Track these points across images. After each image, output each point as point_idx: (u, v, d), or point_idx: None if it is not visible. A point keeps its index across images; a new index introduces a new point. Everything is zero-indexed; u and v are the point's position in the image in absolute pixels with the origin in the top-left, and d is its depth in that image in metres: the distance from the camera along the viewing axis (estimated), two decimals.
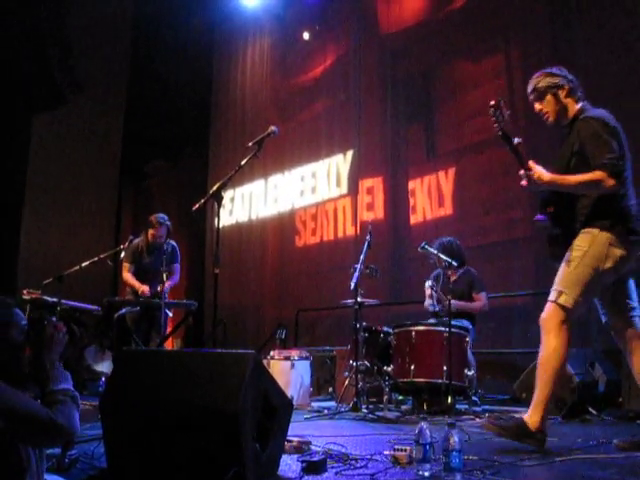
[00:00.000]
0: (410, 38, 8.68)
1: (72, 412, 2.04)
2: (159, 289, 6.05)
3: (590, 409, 4.78)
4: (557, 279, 3.37)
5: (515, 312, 6.97)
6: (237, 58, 11.83)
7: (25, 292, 6.41)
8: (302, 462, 2.65)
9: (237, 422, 2.25)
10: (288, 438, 2.97)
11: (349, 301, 5.65)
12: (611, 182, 3.21)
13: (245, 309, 10.60)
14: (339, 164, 9.35)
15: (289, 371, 5.93)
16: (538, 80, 3.58)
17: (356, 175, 9.00)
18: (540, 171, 3.37)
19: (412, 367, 5.24)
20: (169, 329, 6.77)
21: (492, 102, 3.39)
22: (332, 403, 5.91)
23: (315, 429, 4.10)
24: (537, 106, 3.61)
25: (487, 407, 5.59)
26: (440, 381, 5.10)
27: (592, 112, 3.49)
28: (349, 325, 5.81)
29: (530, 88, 3.61)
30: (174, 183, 13.21)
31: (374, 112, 8.99)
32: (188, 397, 2.42)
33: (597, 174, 3.23)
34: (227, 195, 11.06)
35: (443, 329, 5.23)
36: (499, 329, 6.93)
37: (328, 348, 7.27)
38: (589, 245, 3.28)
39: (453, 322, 5.30)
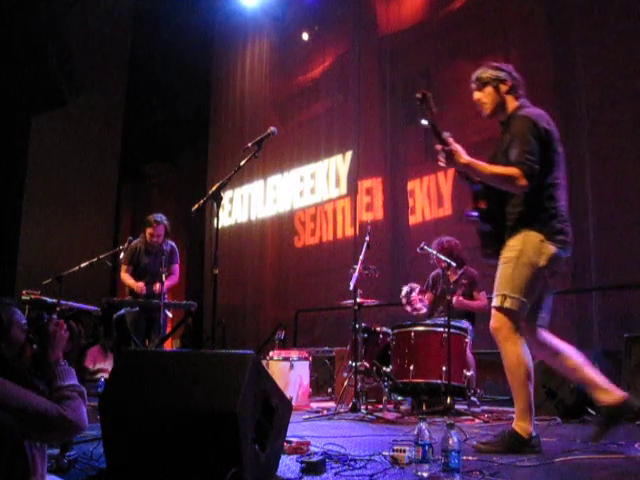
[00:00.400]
0: (409, 39, 8.68)
1: (81, 407, 2.09)
2: (156, 288, 6.05)
3: (589, 410, 4.77)
4: (497, 283, 3.36)
5: None
6: (236, 59, 11.83)
7: (24, 292, 6.41)
8: (301, 463, 2.65)
9: (236, 423, 2.25)
10: (287, 439, 2.97)
11: (348, 302, 5.65)
12: (523, 182, 3.24)
13: (244, 310, 10.60)
14: (338, 165, 9.35)
15: (288, 372, 5.94)
16: (483, 71, 3.61)
17: (355, 176, 9.01)
18: (458, 150, 3.42)
19: (411, 368, 5.25)
20: (168, 330, 6.75)
21: (417, 94, 3.46)
22: (331, 404, 5.91)
23: (314, 430, 4.10)
24: (476, 94, 3.66)
25: (487, 408, 5.59)
26: (439, 382, 5.10)
27: (527, 110, 3.47)
28: (348, 326, 5.81)
29: (473, 77, 3.64)
30: (173, 184, 13.22)
31: (373, 113, 8.99)
32: (187, 398, 2.42)
33: (512, 170, 3.27)
34: (226, 196, 11.06)
35: (442, 330, 5.24)
36: None
37: (327, 349, 7.28)
38: (522, 244, 3.30)
39: (452, 323, 5.31)
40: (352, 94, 9.23)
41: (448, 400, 4.97)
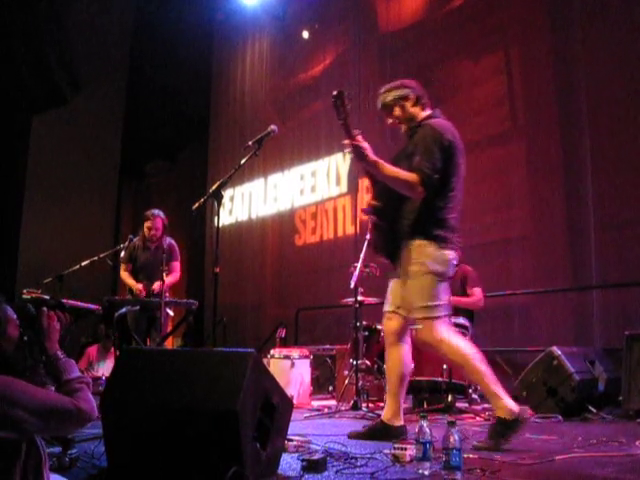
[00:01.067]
0: (409, 37, 8.67)
1: (91, 397, 2.12)
2: (155, 288, 6.03)
3: (590, 407, 4.78)
4: (413, 298, 3.49)
5: (514, 311, 6.97)
6: (236, 57, 11.82)
7: (25, 291, 6.41)
8: (302, 461, 2.65)
9: (237, 421, 2.25)
10: (288, 437, 2.97)
11: (349, 300, 5.65)
12: (420, 189, 3.40)
13: (245, 308, 10.60)
14: (339, 163, 9.35)
15: (289, 370, 5.94)
16: (385, 96, 3.74)
17: (356, 174, 8.99)
18: (367, 148, 3.50)
19: (412, 366, 5.24)
20: (169, 328, 6.74)
21: (334, 92, 3.47)
22: (332, 402, 5.91)
23: (315, 428, 4.11)
24: (388, 120, 3.79)
25: (487, 406, 5.59)
26: (440, 379, 5.10)
27: (434, 121, 3.63)
28: (349, 324, 5.82)
29: (379, 105, 3.76)
30: (174, 183, 13.21)
31: (373, 111, 8.97)
32: (188, 396, 2.43)
33: (412, 176, 3.41)
34: (227, 194, 11.05)
35: None
36: (499, 328, 6.94)
37: (328, 347, 7.28)
38: (423, 256, 3.45)
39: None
40: (352, 92, 9.22)
41: (449, 398, 4.97)
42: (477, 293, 5.83)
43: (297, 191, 10.04)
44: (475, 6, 7.81)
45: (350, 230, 9.01)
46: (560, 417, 4.64)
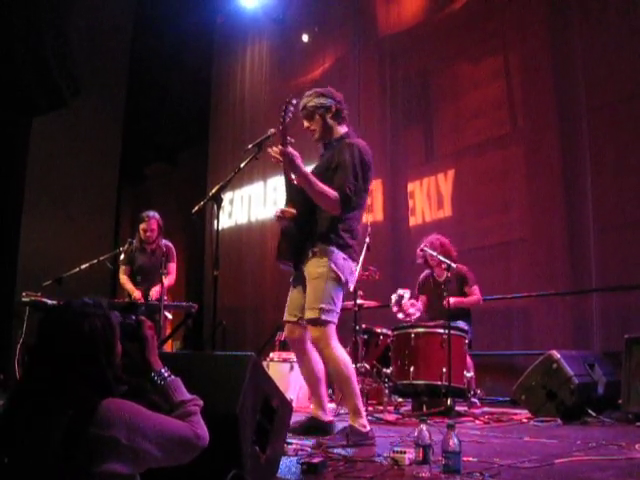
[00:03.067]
0: (409, 40, 8.68)
1: (202, 421, 1.89)
2: (152, 294, 6.03)
3: (589, 411, 4.78)
4: (312, 297, 3.60)
5: (514, 314, 6.97)
6: (236, 60, 11.83)
7: (24, 294, 6.41)
8: (302, 464, 2.65)
9: (236, 424, 2.25)
10: (287, 440, 2.97)
11: (348, 303, 5.65)
12: (338, 208, 3.60)
13: (244, 311, 10.60)
14: None
15: (288, 373, 5.94)
16: (309, 100, 3.87)
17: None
18: (297, 157, 3.66)
19: (411, 369, 5.25)
20: (168, 331, 6.74)
21: (287, 99, 3.67)
22: (332, 405, 5.91)
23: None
24: (306, 123, 3.92)
25: (487, 409, 5.59)
26: (439, 383, 5.10)
27: (356, 140, 3.85)
28: (348, 327, 5.81)
29: (301, 105, 3.87)
30: (173, 185, 13.21)
31: (373, 114, 8.99)
32: None
33: (334, 195, 3.58)
34: (226, 197, 11.06)
35: (442, 331, 5.24)
36: (498, 331, 6.93)
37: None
38: (330, 261, 3.58)
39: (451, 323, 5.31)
40: (352, 95, 9.21)
41: (448, 401, 4.97)
42: (476, 292, 5.85)
43: None
44: (474, 10, 7.81)
45: None
46: (559, 420, 4.64)
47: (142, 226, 6.27)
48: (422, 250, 5.79)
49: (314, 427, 3.74)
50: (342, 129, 3.88)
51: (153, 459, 1.70)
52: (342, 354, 3.63)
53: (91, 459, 1.56)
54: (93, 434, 1.57)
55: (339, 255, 3.61)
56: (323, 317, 3.54)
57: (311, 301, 3.59)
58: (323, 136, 3.88)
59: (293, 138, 3.76)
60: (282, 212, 3.79)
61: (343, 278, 3.62)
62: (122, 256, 6.38)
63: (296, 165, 3.62)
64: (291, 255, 3.77)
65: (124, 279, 6.36)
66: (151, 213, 6.31)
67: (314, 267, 3.62)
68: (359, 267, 5.33)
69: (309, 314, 3.59)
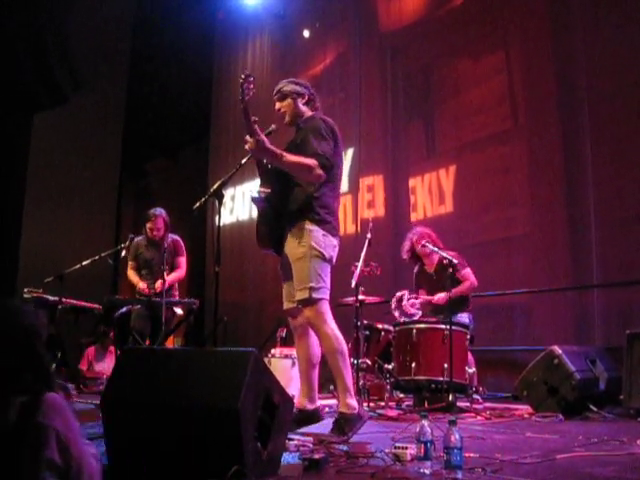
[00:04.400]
0: (410, 36, 8.67)
1: None
2: (157, 286, 6.02)
3: (591, 406, 4.77)
4: (299, 278, 3.62)
5: (515, 309, 6.97)
6: (237, 56, 11.82)
7: (26, 291, 6.42)
8: (303, 460, 2.65)
9: (238, 420, 2.25)
10: (289, 436, 2.97)
11: (350, 299, 5.65)
12: (320, 172, 3.58)
13: (246, 307, 10.60)
14: None
15: (290, 369, 5.93)
16: (284, 85, 3.94)
17: (356, 173, 9.00)
18: (265, 140, 3.60)
19: (413, 365, 5.25)
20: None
21: (243, 75, 3.60)
22: (333, 401, 5.91)
23: (316, 427, 4.10)
24: (277, 105, 3.94)
25: (489, 405, 5.59)
26: (441, 379, 5.10)
27: (321, 115, 3.88)
28: (350, 323, 5.81)
29: (276, 89, 3.94)
30: (174, 181, 13.20)
31: (374, 110, 8.98)
32: (189, 395, 2.42)
33: (311, 161, 3.57)
34: (228, 193, 11.05)
35: (443, 326, 5.23)
36: (499, 327, 6.94)
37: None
38: (310, 239, 3.60)
39: (454, 319, 5.31)
40: (353, 91, 9.21)
41: (450, 397, 4.97)
42: (468, 275, 5.78)
43: None
44: (475, 5, 7.80)
45: (351, 229, 8.99)
46: (561, 416, 4.63)
47: (148, 225, 6.24)
48: (423, 245, 5.77)
49: (301, 419, 3.77)
50: (310, 113, 3.92)
51: (71, 460, 1.81)
52: (335, 330, 3.66)
53: (39, 445, 1.73)
54: (40, 422, 1.75)
55: (318, 232, 3.63)
56: (314, 295, 3.57)
57: (299, 282, 3.61)
58: (293, 119, 3.90)
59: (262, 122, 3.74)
60: (258, 192, 3.81)
61: (327, 254, 3.65)
62: (124, 252, 6.37)
63: (263, 147, 3.58)
64: (271, 240, 3.81)
65: (131, 273, 6.36)
66: (157, 211, 6.26)
67: (295, 248, 3.65)
68: (360, 263, 5.34)
69: (299, 295, 3.61)
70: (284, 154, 3.63)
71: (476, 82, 7.73)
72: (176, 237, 6.40)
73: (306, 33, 10.16)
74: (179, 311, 6.14)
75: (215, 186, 3.76)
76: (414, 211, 8.24)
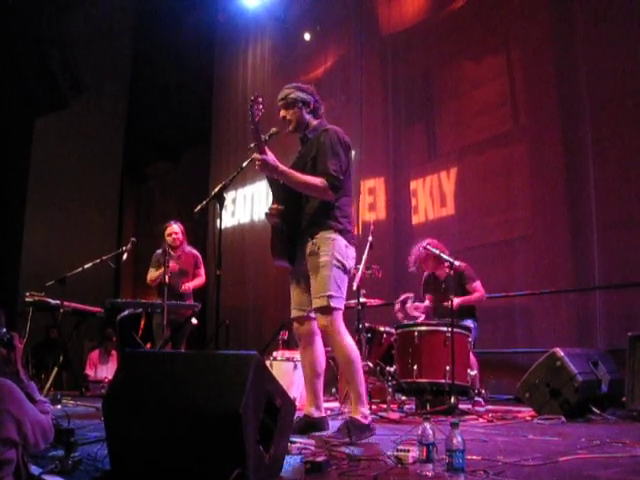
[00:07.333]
0: (411, 38, 8.67)
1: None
2: (184, 287, 6.40)
3: (593, 409, 4.77)
4: (318, 285, 3.62)
5: (517, 311, 6.97)
6: (238, 59, 11.83)
7: (28, 294, 6.43)
8: (305, 463, 2.65)
9: (240, 423, 2.25)
10: (291, 439, 2.97)
11: (351, 302, 5.64)
12: (329, 192, 3.63)
13: (247, 310, 10.60)
14: None
15: (292, 372, 5.93)
16: (290, 91, 3.90)
17: (358, 176, 8.99)
18: (274, 160, 3.67)
19: (415, 367, 5.24)
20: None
21: (252, 97, 3.63)
22: (335, 404, 5.90)
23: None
24: (282, 112, 3.92)
25: (491, 407, 5.59)
26: (443, 381, 5.10)
27: (333, 127, 3.87)
28: (351, 326, 5.80)
29: (281, 96, 3.91)
30: (176, 184, 13.22)
31: (375, 113, 8.98)
32: (191, 399, 2.42)
33: (321, 180, 3.62)
34: (229, 196, 11.04)
35: (445, 329, 5.23)
36: (501, 329, 6.93)
37: (331, 349, 7.26)
38: (332, 249, 3.62)
39: (457, 322, 5.31)
40: (354, 94, 9.22)
41: (452, 400, 4.97)
42: (478, 287, 5.82)
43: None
44: (476, 8, 7.80)
45: None
46: (563, 418, 4.62)
47: (167, 232, 6.52)
48: (425, 249, 5.77)
49: (307, 426, 3.78)
50: (315, 122, 3.92)
51: (28, 436, 2.09)
52: (350, 341, 3.67)
53: None
54: None
55: (342, 242, 3.65)
56: (332, 304, 3.57)
57: (318, 290, 3.61)
58: (298, 128, 3.90)
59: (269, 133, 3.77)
60: (270, 210, 3.85)
61: (347, 265, 3.66)
62: (125, 255, 6.52)
63: (272, 167, 3.64)
64: (284, 252, 3.84)
65: (151, 272, 6.50)
66: (172, 221, 6.63)
67: (316, 257, 3.64)
68: (362, 265, 5.35)
69: (318, 302, 3.61)
70: (294, 174, 3.67)
71: (477, 85, 7.74)
72: (194, 250, 6.73)
73: (307, 36, 10.17)
74: (194, 320, 6.27)
75: (216, 189, 3.77)
76: (415, 214, 8.24)
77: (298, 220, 3.76)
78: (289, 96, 3.88)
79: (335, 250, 3.62)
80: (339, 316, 3.64)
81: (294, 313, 3.91)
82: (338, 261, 3.61)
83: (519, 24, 7.37)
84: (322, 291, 3.59)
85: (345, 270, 3.66)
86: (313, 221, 3.70)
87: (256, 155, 3.64)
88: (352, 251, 3.73)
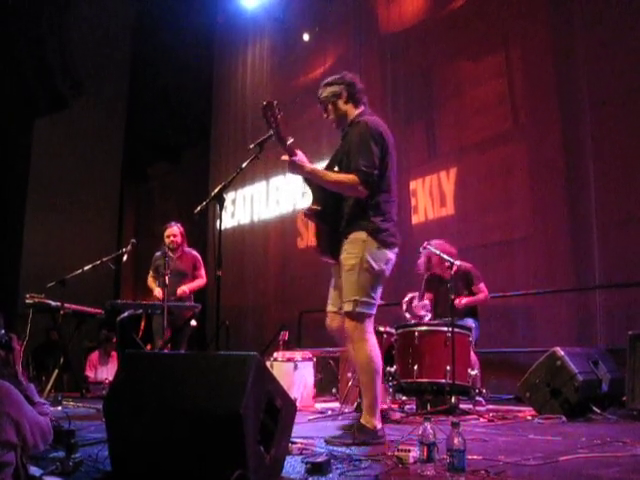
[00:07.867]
0: (410, 38, 8.67)
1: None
2: (179, 290, 6.33)
3: (594, 408, 4.77)
4: (346, 290, 3.55)
5: (517, 311, 6.97)
6: (237, 60, 11.83)
7: (28, 296, 6.43)
8: (306, 463, 2.65)
9: (240, 424, 2.25)
10: (292, 439, 2.97)
11: None
12: (361, 189, 3.51)
13: (248, 311, 10.60)
14: None
15: (292, 372, 5.94)
16: (320, 91, 3.83)
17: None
18: (302, 161, 3.61)
19: (415, 367, 5.24)
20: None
21: (264, 103, 3.49)
22: (336, 404, 5.91)
23: (319, 430, 4.10)
24: (324, 115, 3.88)
25: (492, 407, 5.58)
26: (443, 381, 5.10)
27: (366, 117, 3.72)
28: None
29: (318, 97, 3.84)
30: (176, 185, 13.21)
31: (375, 112, 8.96)
32: (191, 399, 2.43)
33: (352, 177, 3.52)
34: (229, 197, 11.04)
35: (445, 329, 5.23)
36: (502, 329, 6.93)
37: (331, 349, 7.26)
38: (363, 251, 3.51)
39: (458, 322, 5.31)
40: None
41: (452, 399, 4.97)
42: (483, 289, 5.86)
43: (299, 194, 10.03)
44: (476, 7, 7.80)
45: None
46: (564, 418, 4.63)
47: (166, 233, 6.53)
48: (425, 247, 5.77)
49: (364, 436, 3.44)
50: (357, 110, 3.79)
51: (27, 437, 2.10)
52: (375, 351, 3.56)
53: None
54: None
55: (373, 244, 3.52)
56: (358, 309, 3.50)
57: (346, 294, 3.55)
58: (340, 123, 3.82)
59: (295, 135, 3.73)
60: (308, 210, 3.73)
61: (377, 267, 3.52)
62: (125, 257, 6.52)
63: (298, 167, 3.60)
64: (328, 248, 3.71)
65: (150, 280, 6.62)
66: (172, 222, 6.63)
67: (347, 259, 3.55)
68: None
69: (345, 307, 3.54)
70: (323, 172, 3.64)
71: (476, 84, 7.73)
72: (194, 252, 6.72)
73: (306, 37, 10.17)
74: (193, 322, 6.28)
75: (216, 190, 3.76)
76: (415, 214, 8.24)
77: (337, 220, 3.65)
78: (321, 97, 3.81)
79: (366, 252, 3.51)
80: (366, 322, 3.55)
81: (328, 307, 3.83)
82: (368, 264, 3.50)
83: (518, 23, 7.37)
84: (348, 296, 3.53)
85: (375, 273, 3.52)
86: (348, 221, 3.61)
87: (284, 157, 3.60)
88: (387, 253, 3.57)
